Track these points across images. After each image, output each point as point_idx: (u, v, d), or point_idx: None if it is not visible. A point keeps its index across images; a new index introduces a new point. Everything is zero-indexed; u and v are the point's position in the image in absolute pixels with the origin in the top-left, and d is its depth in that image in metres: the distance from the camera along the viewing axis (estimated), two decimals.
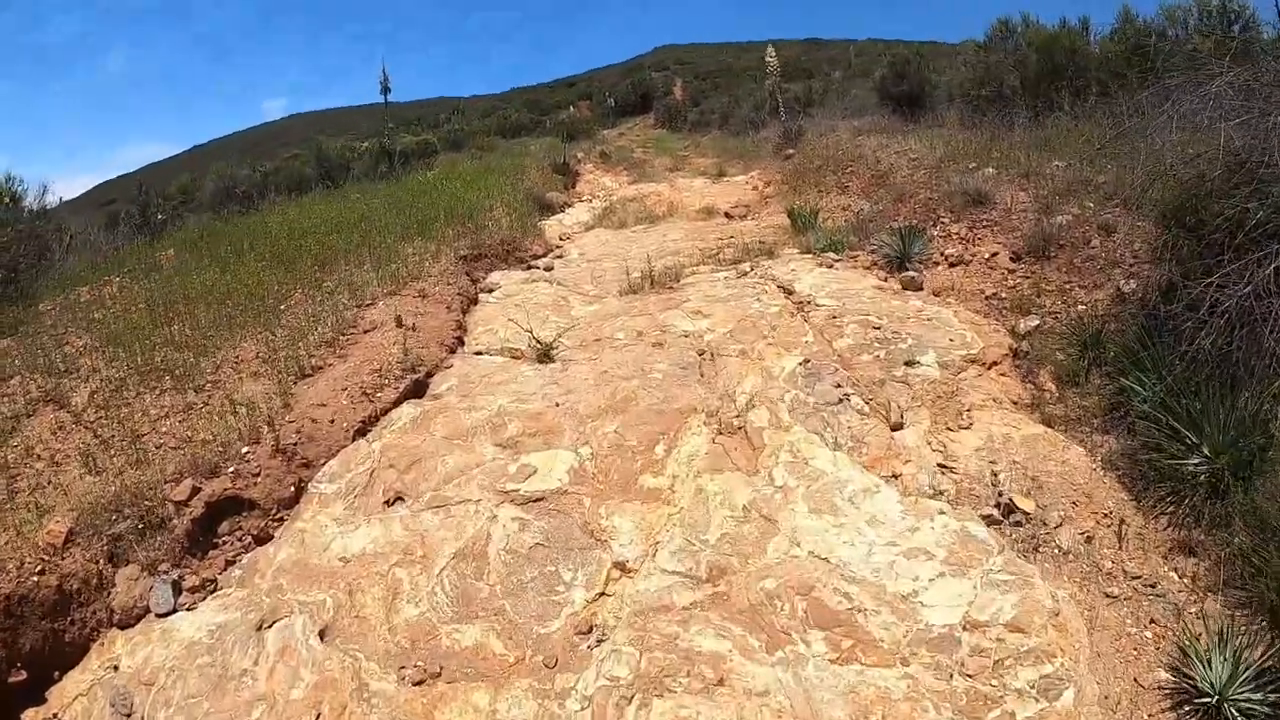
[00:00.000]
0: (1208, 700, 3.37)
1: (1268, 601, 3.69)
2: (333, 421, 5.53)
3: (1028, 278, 7.18)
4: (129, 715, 3.71)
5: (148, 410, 5.79)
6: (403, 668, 3.70)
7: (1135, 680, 3.55)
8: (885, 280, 7.86)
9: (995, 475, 4.76)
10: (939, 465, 4.83)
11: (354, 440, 5.47)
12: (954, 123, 13.43)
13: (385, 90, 21.87)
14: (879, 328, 6.39)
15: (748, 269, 8.76)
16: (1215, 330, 4.70)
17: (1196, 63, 6.13)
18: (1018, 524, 4.44)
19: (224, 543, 4.77)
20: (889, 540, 4.12)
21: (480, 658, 3.74)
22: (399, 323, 7.03)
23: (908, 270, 7.92)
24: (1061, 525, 4.45)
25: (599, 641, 3.78)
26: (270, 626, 3.98)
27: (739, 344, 6.41)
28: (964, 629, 3.60)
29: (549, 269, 10.23)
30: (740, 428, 5.18)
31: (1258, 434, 4.39)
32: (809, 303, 7.14)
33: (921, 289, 7.58)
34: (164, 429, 5.59)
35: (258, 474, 5.02)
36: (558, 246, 11.72)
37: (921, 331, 6.31)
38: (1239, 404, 4.52)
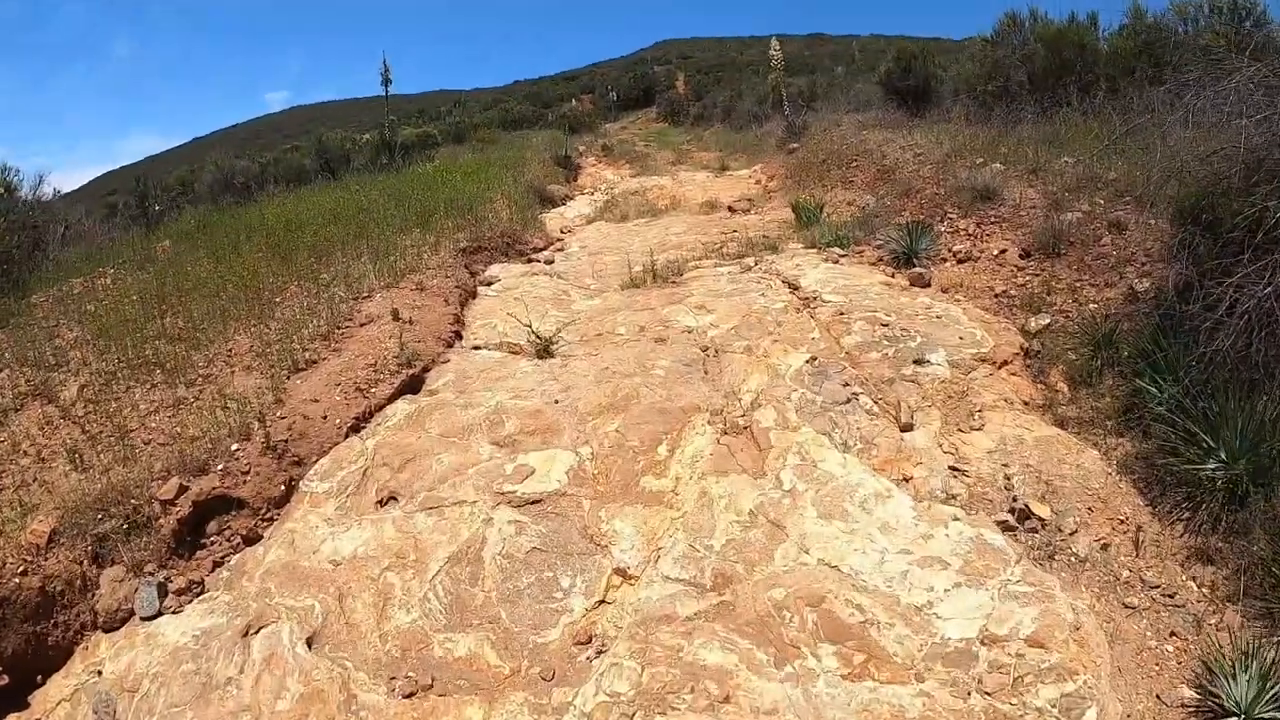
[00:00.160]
0: (1234, 719, 3.23)
1: None
2: (325, 418, 5.38)
3: (1037, 275, 7.02)
4: None
5: (137, 405, 5.65)
6: (393, 678, 3.55)
7: (1158, 697, 3.40)
8: (892, 276, 7.71)
9: (1008, 479, 4.61)
10: (951, 468, 4.67)
11: (347, 437, 5.31)
12: (960, 118, 13.26)
13: (386, 82, 21.80)
14: (887, 325, 6.24)
15: (751, 263, 8.61)
16: (1234, 331, 4.56)
17: (1213, 58, 5.98)
18: (1033, 530, 4.29)
19: (212, 543, 4.63)
20: (902, 548, 3.96)
21: (474, 669, 3.58)
22: (395, 316, 6.87)
23: (915, 266, 7.77)
24: (1077, 532, 4.30)
25: (598, 653, 3.61)
26: (257, 633, 3.83)
27: (744, 340, 6.26)
28: (982, 643, 3.43)
29: (549, 262, 10.09)
30: (746, 427, 5.01)
31: (1278, 439, 4.26)
32: (815, 298, 6.98)
33: (929, 285, 7.42)
34: (153, 424, 5.44)
35: (247, 472, 4.87)
36: (559, 240, 11.58)
37: (930, 329, 6.16)
38: (1258, 408, 4.39)
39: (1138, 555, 4.22)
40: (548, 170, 17.45)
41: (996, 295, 7.01)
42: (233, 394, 5.62)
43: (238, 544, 4.62)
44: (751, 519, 4.23)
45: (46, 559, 4.25)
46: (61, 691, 3.84)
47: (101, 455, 5.06)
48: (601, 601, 3.88)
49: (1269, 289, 4.49)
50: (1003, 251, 7.55)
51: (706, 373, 5.83)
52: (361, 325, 6.82)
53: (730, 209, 12.85)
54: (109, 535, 4.45)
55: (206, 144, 62.03)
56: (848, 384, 5.43)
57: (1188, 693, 3.44)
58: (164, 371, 6.04)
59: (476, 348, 6.84)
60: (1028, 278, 7.08)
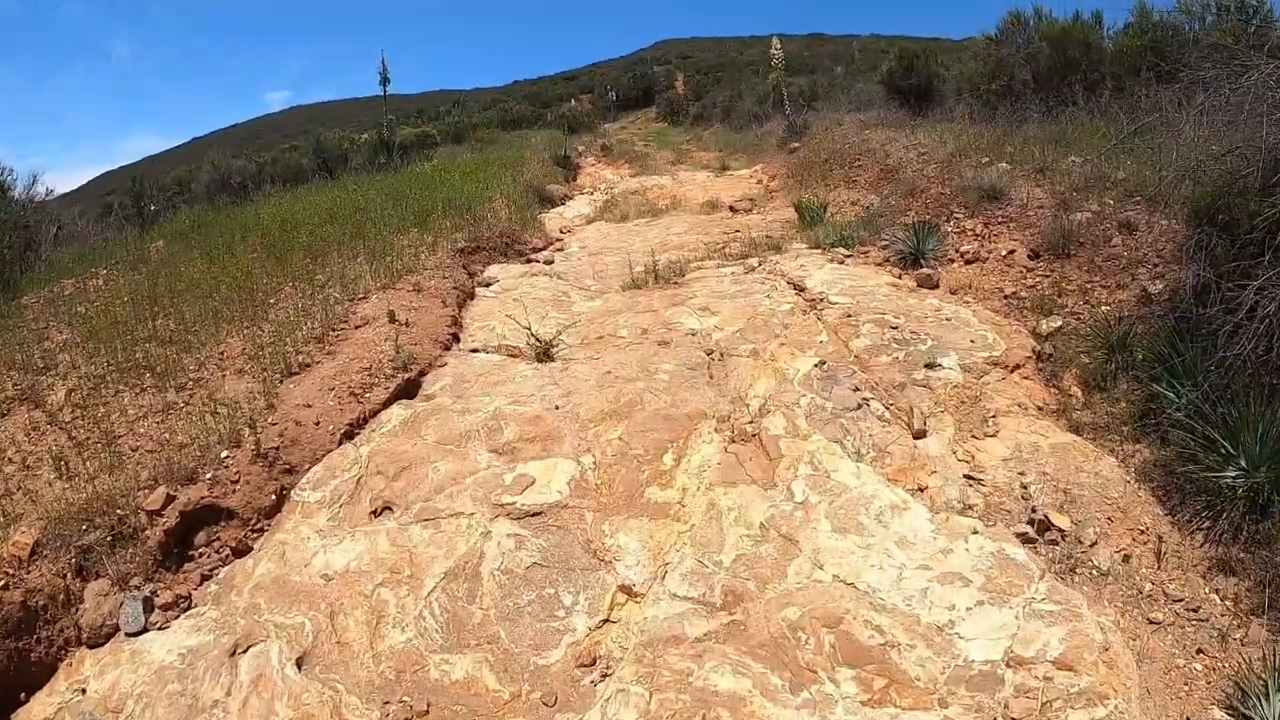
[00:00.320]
0: None
1: None
2: (318, 424, 5.20)
3: (1047, 276, 6.87)
4: None
5: (125, 410, 5.48)
6: (386, 703, 3.36)
7: None
8: (899, 277, 7.55)
9: (1025, 488, 4.46)
10: (966, 477, 4.51)
11: (340, 444, 5.13)
12: (964, 117, 13.13)
13: (385, 82, 21.65)
14: (896, 327, 6.07)
15: (755, 264, 8.46)
16: (1254, 335, 4.41)
17: (1227, 55, 5.83)
18: (1053, 542, 4.13)
19: (200, 555, 4.45)
20: (921, 563, 3.77)
21: (472, 693, 3.40)
22: (392, 318, 6.71)
23: (922, 267, 7.61)
24: (1097, 543, 4.14)
25: (603, 676, 3.42)
26: (245, 652, 3.65)
27: (749, 344, 6.08)
28: (1007, 665, 3.25)
29: (549, 263, 9.93)
30: (754, 435, 4.83)
31: None
32: (821, 300, 6.81)
33: (937, 287, 7.26)
34: (141, 430, 5.28)
35: (237, 480, 4.70)
36: (558, 240, 11.43)
37: (941, 332, 5.99)
38: (1279, 414, 4.23)
39: (1159, 567, 4.07)
40: (547, 170, 17.31)
41: (1006, 297, 6.86)
42: (223, 399, 5.46)
43: (226, 556, 4.44)
44: (762, 533, 4.04)
45: (29, 572, 4.09)
46: (45, 710, 3.67)
47: (88, 463, 4.89)
48: (606, 620, 3.69)
49: None
50: (1011, 252, 7.40)
51: (712, 377, 5.65)
52: (357, 328, 6.65)
53: (732, 209, 12.70)
54: (93, 547, 4.28)
55: (206, 144, 61.87)
56: (858, 389, 5.26)
57: (1219, 714, 3.29)
58: (154, 375, 5.88)
59: (474, 350, 6.67)
60: (1038, 279, 6.93)
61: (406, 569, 4.00)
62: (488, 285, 8.77)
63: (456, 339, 6.93)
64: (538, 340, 6.45)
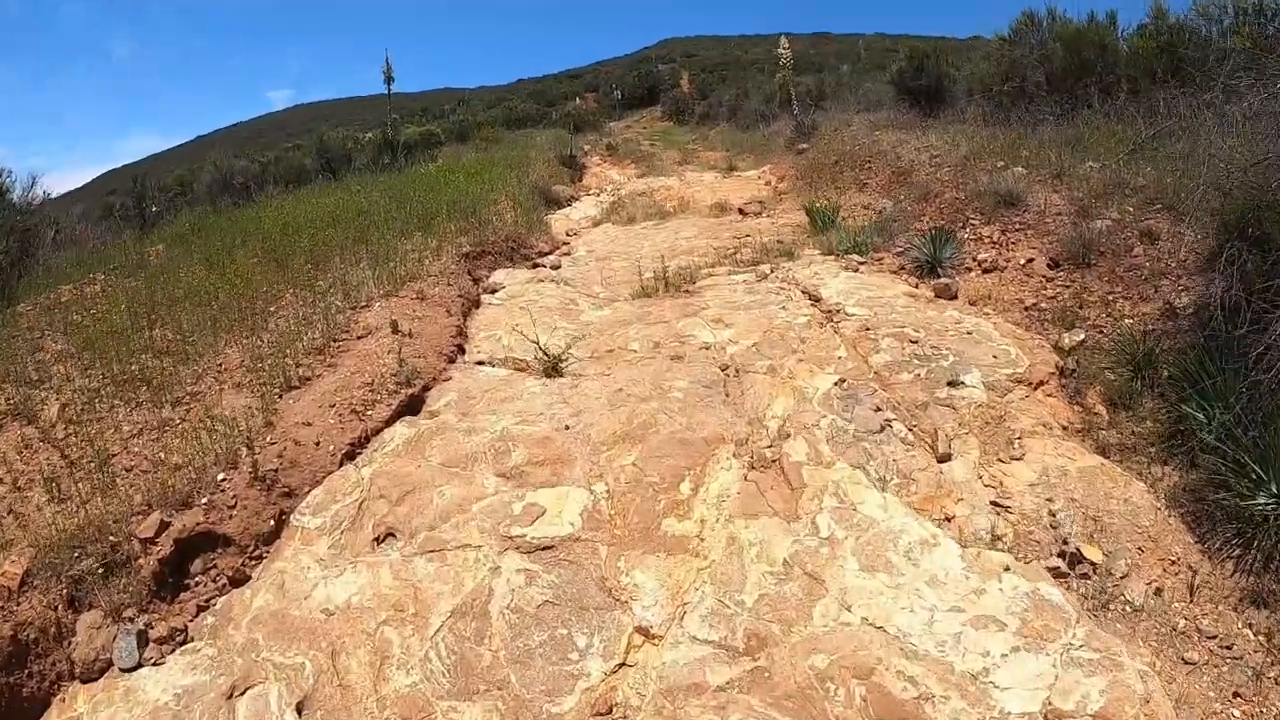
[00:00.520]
0: None
1: None
2: (318, 444, 5.02)
3: (1068, 287, 6.66)
4: None
5: (120, 426, 5.31)
6: None
7: None
8: (916, 287, 7.36)
9: (1054, 515, 4.27)
10: (993, 504, 4.32)
11: (341, 465, 4.95)
12: (975, 119, 12.93)
13: (388, 80, 21.46)
14: (916, 341, 5.88)
15: (767, 271, 8.27)
16: None
17: (1257, 60, 5.64)
18: (1085, 576, 3.94)
19: (196, 584, 4.28)
20: (953, 605, 3.57)
21: None
22: (395, 328, 6.53)
23: (939, 276, 7.42)
24: (1129, 575, 3.96)
25: None
26: (242, 695, 3.47)
27: (766, 359, 5.88)
28: (1045, 719, 3.06)
29: (556, 268, 9.76)
30: (774, 460, 4.62)
31: None
32: (838, 311, 6.61)
33: (956, 297, 7.07)
34: (136, 448, 5.11)
35: (234, 505, 4.51)
36: (565, 243, 11.24)
37: (962, 347, 5.80)
38: None
39: (1192, 600, 3.89)
40: (552, 170, 17.13)
41: (1026, 308, 6.66)
42: (220, 415, 5.28)
43: (224, 585, 4.26)
44: (786, 570, 3.82)
45: (19, 604, 3.92)
46: None
47: (80, 484, 4.72)
48: (622, 664, 3.47)
49: None
50: (1030, 261, 7.21)
51: (728, 395, 5.44)
52: (359, 338, 6.47)
53: (741, 211, 12.50)
54: (85, 576, 4.11)
55: (209, 142, 61.82)
56: (879, 409, 5.06)
57: None
58: (150, 388, 5.71)
59: (480, 363, 6.48)
60: (1058, 289, 6.73)
61: (411, 606, 3.80)
62: (493, 292, 8.60)
63: (462, 350, 6.74)
64: (546, 355, 6.25)
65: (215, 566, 4.32)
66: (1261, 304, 4.65)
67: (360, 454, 5.08)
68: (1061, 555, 4.00)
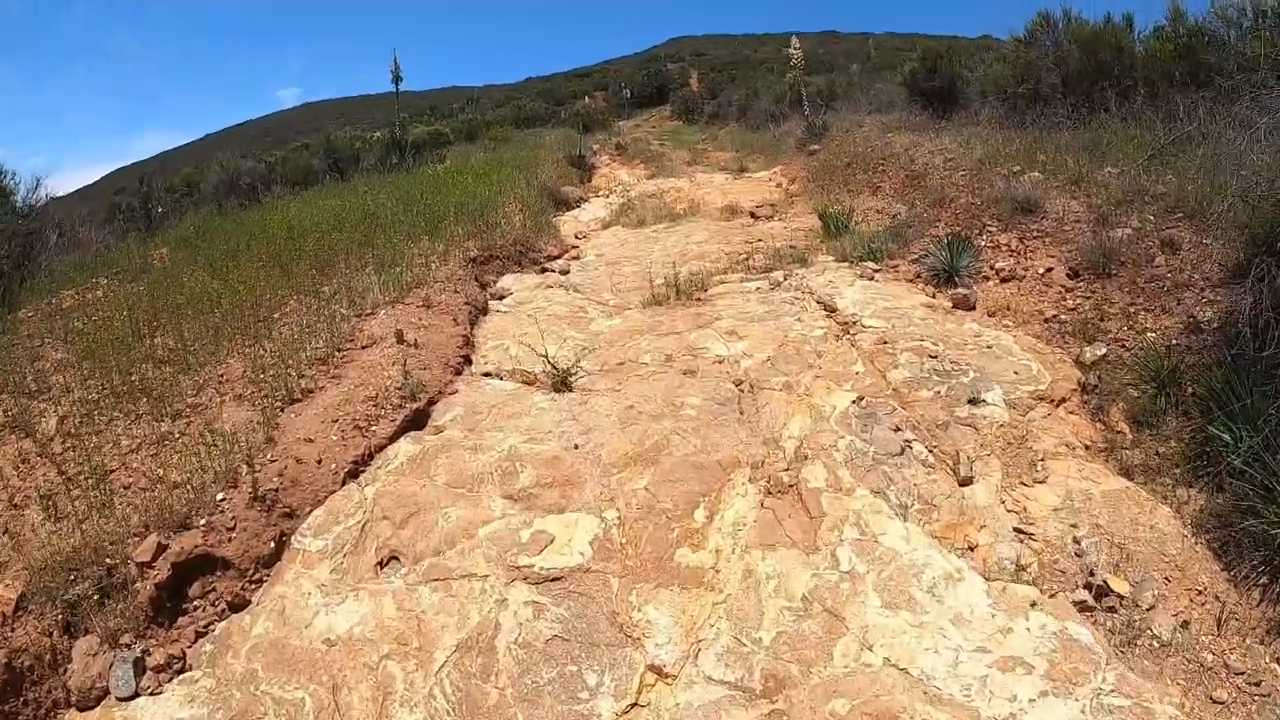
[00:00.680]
0: None
1: None
2: (320, 461, 4.88)
3: (1088, 298, 6.48)
4: None
5: (118, 440, 5.19)
6: None
7: None
8: (934, 297, 7.20)
9: (1078, 542, 4.11)
10: (1016, 530, 4.16)
11: (344, 484, 4.81)
12: (990, 121, 12.73)
13: (396, 79, 21.30)
14: (935, 356, 5.72)
15: (781, 278, 8.11)
16: None
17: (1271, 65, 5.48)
18: (1111, 609, 3.78)
19: (195, 608, 4.15)
20: (979, 645, 3.41)
21: None
22: (400, 338, 6.39)
23: (957, 285, 7.25)
24: (1155, 607, 3.80)
25: None
26: None
27: (781, 374, 5.72)
28: None
29: (565, 273, 9.61)
30: (792, 485, 4.45)
31: None
32: (854, 323, 6.45)
33: (974, 308, 6.90)
34: (134, 464, 4.98)
35: (233, 527, 4.38)
36: (573, 246, 11.10)
37: (983, 362, 5.63)
38: None
39: (1219, 633, 3.73)
40: (561, 171, 16.99)
41: (1046, 320, 6.49)
42: (221, 430, 5.15)
43: (223, 610, 4.13)
44: (805, 606, 3.66)
45: (14, 630, 3.81)
46: None
47: (77, 503, 4.59)
48: (634, 705, 3.31)
49: None
50: (1049, 270, 7.03)
51: (742, 413, 5.28)
52: (363, 348, 6.33)
53: (752, 215, 12.34)
54: (81, 601, 3.98)
55: (218, 141, 61.84)
56: (899, 429, 4.90)
57: None
58: (150, 400, 5.58)
59: (487, 375, 6.33)
60: (1078, 300, 6.55)
61: (415, 639, 3.65)
62: (501, 298, 8.46)
63: (468, 361, 6.59)
64: (555, 369, 6.09)
65: (214, 591, 4.19)
66: None
67: (363, 472, 4.94)
68: (1088, 587, 3.85)
